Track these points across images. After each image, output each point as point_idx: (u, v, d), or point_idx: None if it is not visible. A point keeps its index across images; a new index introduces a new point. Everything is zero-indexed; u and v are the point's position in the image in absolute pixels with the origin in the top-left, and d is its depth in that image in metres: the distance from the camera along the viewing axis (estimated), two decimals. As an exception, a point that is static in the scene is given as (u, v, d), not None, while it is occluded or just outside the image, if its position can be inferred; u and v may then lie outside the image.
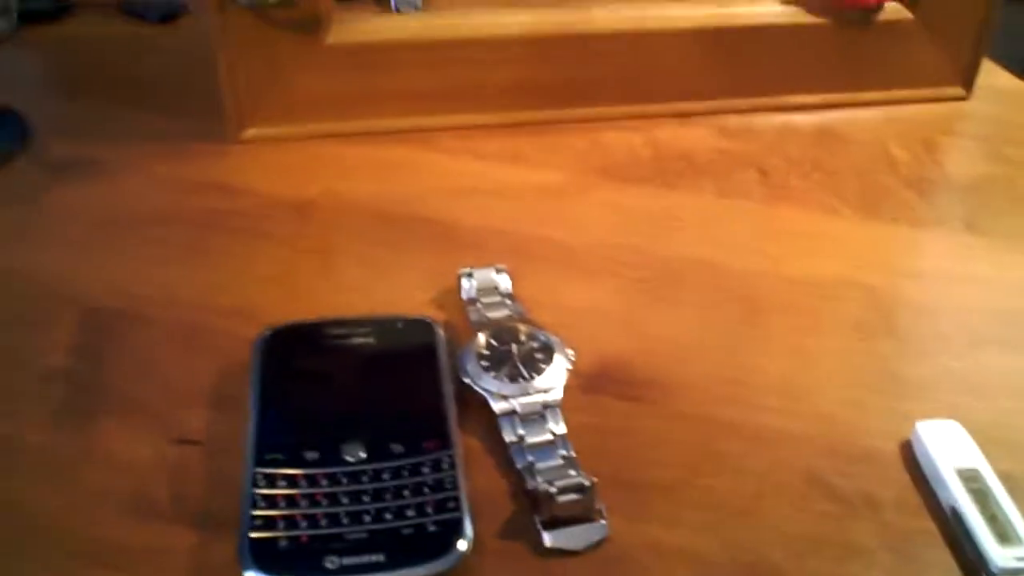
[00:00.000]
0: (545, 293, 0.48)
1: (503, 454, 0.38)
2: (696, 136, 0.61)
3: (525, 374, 0.40)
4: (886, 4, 0.62)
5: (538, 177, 0.57)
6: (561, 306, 0.47)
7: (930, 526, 0.37)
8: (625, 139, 0.61)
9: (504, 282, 0.46)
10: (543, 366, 0.41)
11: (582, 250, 0.51)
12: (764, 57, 0.63)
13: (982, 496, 0.37)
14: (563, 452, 0.37)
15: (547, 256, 0.51)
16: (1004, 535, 0.36)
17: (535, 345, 0.42)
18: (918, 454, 0.40)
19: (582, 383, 0.42)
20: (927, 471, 0.39)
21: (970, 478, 0.38)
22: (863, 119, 0.64)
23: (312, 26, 0.57)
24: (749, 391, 0.43)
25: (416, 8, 0.61)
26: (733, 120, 0.63)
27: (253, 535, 0.32)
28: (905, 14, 0.63)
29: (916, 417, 0.41)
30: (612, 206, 0.55)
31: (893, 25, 0.63)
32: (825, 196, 0.56)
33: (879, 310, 0.48)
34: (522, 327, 0.42)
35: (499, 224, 0.53)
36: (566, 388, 0.41)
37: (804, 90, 0.65)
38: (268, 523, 0.32)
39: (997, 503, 0.37)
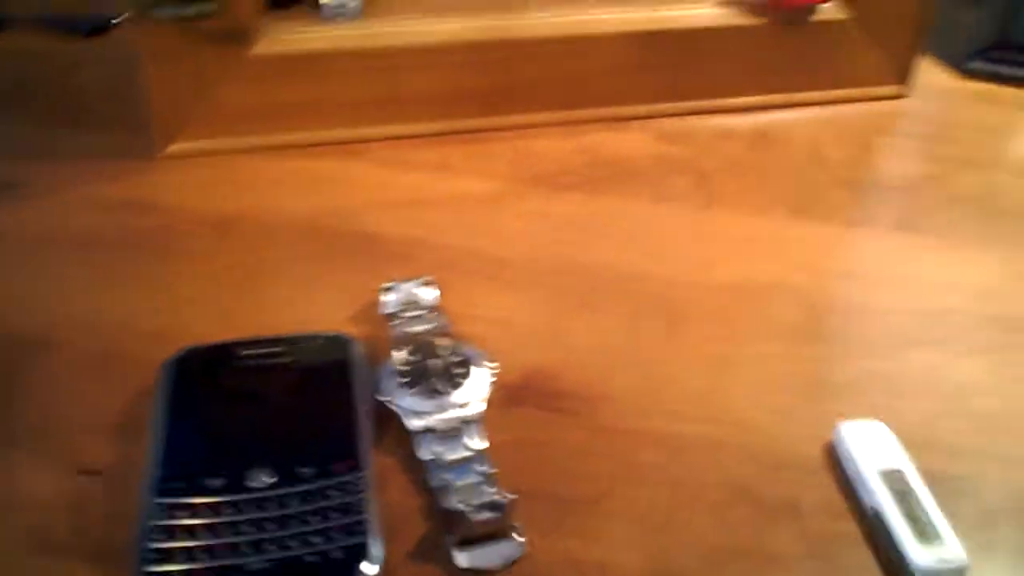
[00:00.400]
0: (472, 305, 0.47)
1: (421, 472, 0.38)
2: (632, 141, 0.61)
3: (443, 390, 0.40)
4: (822, 4, 0.62)
5: (469, 186, 0.57)
6: (487, 318, 0.47)
7: (853, 529, 0.37)
8: (558, 146, 0.60)
9: (428, 295, 0.45)
10: (462, 381, 0.40)
11: (511, 261, 0.51)
12: (700, 60, 0.63)
13: (904, 497, 0.37)
14: (480, 468, 0.37)
15: (475, 267, 0.50)
16: (925, 535, 0.36)
17: (455, 359, 0.41)
18: (840, 456, 0.40)
19: (505, 396, 0.42)
20: (849, 473, 0.39)
21: (893, 479, 0.38)
22: (801, 120, 0.64)
23: (237, 37, 0.57)
24: (674, 400, 0.43)
25: (352, 17, 0.61)
26: (669, 124, 0.63)
27: (148, 569, 0.31)
28: (842, 14, 0.63)
29: (841, 420, 0.41)
30: (543, 215, 0.55)
31: (830, 25, 0.64)
32: (759, 199, 0.56)
33: (808, 313, 0.48)
34: (442, 342, 0.42)
35: (428, 236, 0.53)
36: (488, 402, 0.40)
37: (741, 92, 0.65)
38: (165, 556, 0.32)
39: (919, 504, 0.37)
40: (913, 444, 0.40)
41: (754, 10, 0.62)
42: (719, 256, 0.52)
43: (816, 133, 0.63)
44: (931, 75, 0.70)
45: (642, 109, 0.64)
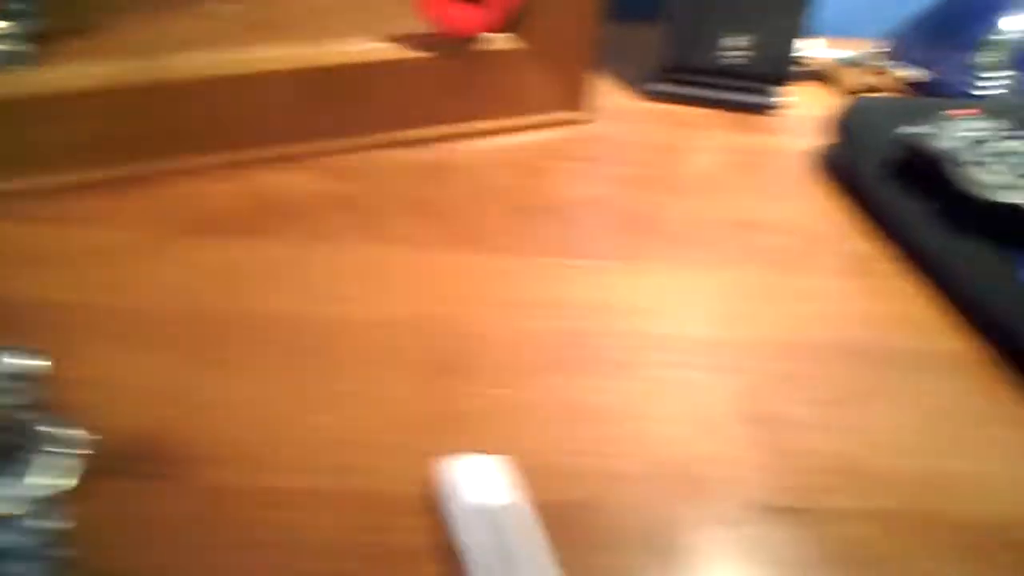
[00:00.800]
0: (89, 369, 0.44)
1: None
2: (299, 181, 0.60)
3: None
4: (494, 34, 0.63)
5: (113, 239, 0.54)
6: (105, 382, 0.44)
7: (457, 570, 0.37)
8: (219, 190, 0.58)
9: (21, 366, 0.42)
10: (33, 460, 0.37)
11: (149, 316, 0.48)
12: (370, 94, 0.63)
13: (500, 532, 0.37)
14: (42, 556, 0.34)
15: (105, 327, 0.47)
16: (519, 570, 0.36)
17: (29, 437, 0.38)
18: (444, 495, 0.39)
19: (103, 467, 0.39)
20: (452, 513, 0.38)
21: (494, 513, 0.38)
22: (477, 150, 0.65)
23: None
24: (298, 452, 0.41)
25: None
26: (340, 161, 0.62)
27: None
28: (514, 42, 0.64)
29: (457, 456, 0.40)
30: (194, 264, 0.52)
31: (502, 54, 0.65)
32: (426, 232, 0.56)
33: (452, 346, 0.48)
34: (19, 417, 0.39)
35: (57, 296, 0.49)
36: (78, 476, 0.37)
37: (415, 125, 0.65)
38: None
39: (517, 541, 0.37)
40: (533, 473, 0.40)
41: (421, 43, 0.62)
42: (374, 294, 0.51)
43: (492, 162, 0.64)
44: (612, 98, 0.73)
45: (311, 147, 0.62)
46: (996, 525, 0.43)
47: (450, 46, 0.63)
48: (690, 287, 0.54)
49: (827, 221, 0.62)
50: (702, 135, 0.70)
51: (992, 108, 0.63)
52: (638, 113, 0.72)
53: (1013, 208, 0.54)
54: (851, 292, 0.56)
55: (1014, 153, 0.57)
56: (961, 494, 0.45)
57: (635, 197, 0.62)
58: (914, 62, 0.80)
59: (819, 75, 0.80)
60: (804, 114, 0.74)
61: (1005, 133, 0.58)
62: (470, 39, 0.63)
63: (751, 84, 0.74)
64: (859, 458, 0.45)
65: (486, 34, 0.63)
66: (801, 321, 0.53)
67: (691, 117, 0.72)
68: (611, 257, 0.56)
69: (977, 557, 0.42)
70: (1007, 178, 0.55)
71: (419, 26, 0.62)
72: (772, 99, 0.74)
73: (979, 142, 0.57)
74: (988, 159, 0.56)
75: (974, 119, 0.59)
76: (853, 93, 0.78)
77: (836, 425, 0.47)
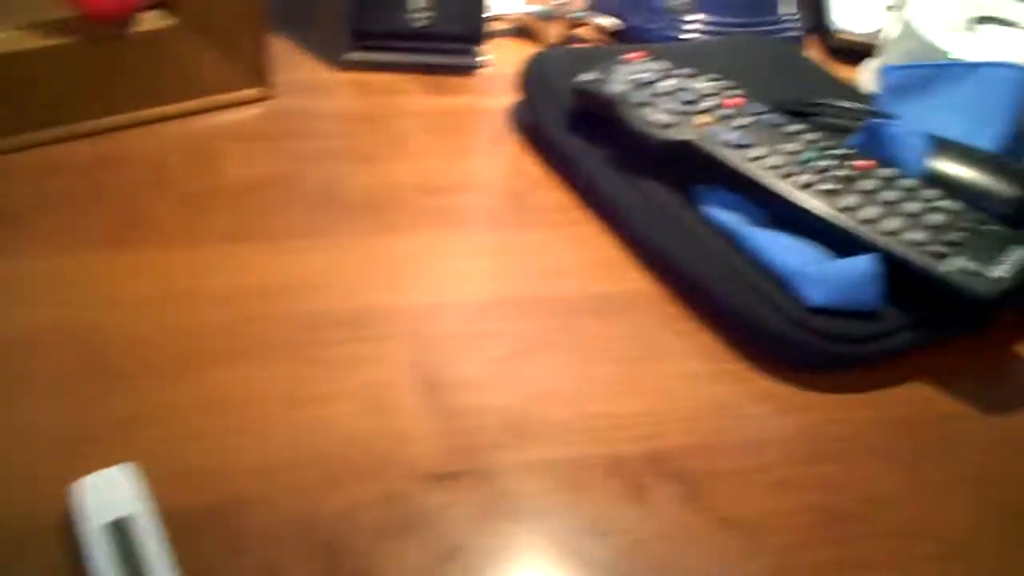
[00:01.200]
0: None
1: None
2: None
3: None
4: (139, 13, 0.60)
5: None
6: None
7: (78, 600, 0.35)
8: None
9: None
10: None
11: None
12: (15, 89, 0.58)
13: (127, 552, 0.35)
14: None
15: None
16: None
17: None
18: (74, 518, 0.37)
19: None
20: (82, 535, 0.36)
21: (121, 530, 0.36)
22: (146, 139, 0.61)
23: None
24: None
25: None
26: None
27: None
28: (167, 21, 0.61)
29: (97, 471, 0.38)
30: None
31: (159, 33, 0.61)
32: (75, 233, 0.53)
33: (94, 354, 0.45)
34: None
35: None
36: None
37: (73, 119, 0.61)
38: None
39: (143, 555, 0.35)
40: (175, 478, 0.38)
41: (65, 28, 0.58)
42: (13, 309, 0.47)
43: (162, 150, 0.60)
44: (303, 71, 0.71)
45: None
46: (662, 458, 0.45)
47: (99, 30, 0.59)
48: (365, 258, 0.53)
49: (516, 177, 0.63)
50: (396, 101, 0.69)
51: (660, 50, 0.65)
52: (331, 84, 0.70)
53: (681, 144, 0.56)
54: (536, 245, 0.57)
55: (678, 91, 0.59)
56: (634, 434, 0.46)
57: (318, 171, 0.60)
58: (609, 10, 0.82)
59: (521, 31, 0.81)
60: (505, 72, 0.74)
61: (670, 72, 0.60)
62: (119, 21, 0.59)
63: (447, 45, 0.74)
64: (531, 411, 0.46)
65: (135, 14, 0.59)
66: (482, 279, 0.54)
67: (387, 84, 0.71)
68: (282, 237, 0.54)
69: (640, 494, 0.43)
70: (672, 116, 0.57)
71: (61, 12, 0.57)
72: (471, 59, 0.74)
73: (646, 84, 0.59)
74: (654, 99, 0.58)
75: (642, 62, 0.61)
76: (555, 46, 0.79)
77: (510, 380, 0.47)
